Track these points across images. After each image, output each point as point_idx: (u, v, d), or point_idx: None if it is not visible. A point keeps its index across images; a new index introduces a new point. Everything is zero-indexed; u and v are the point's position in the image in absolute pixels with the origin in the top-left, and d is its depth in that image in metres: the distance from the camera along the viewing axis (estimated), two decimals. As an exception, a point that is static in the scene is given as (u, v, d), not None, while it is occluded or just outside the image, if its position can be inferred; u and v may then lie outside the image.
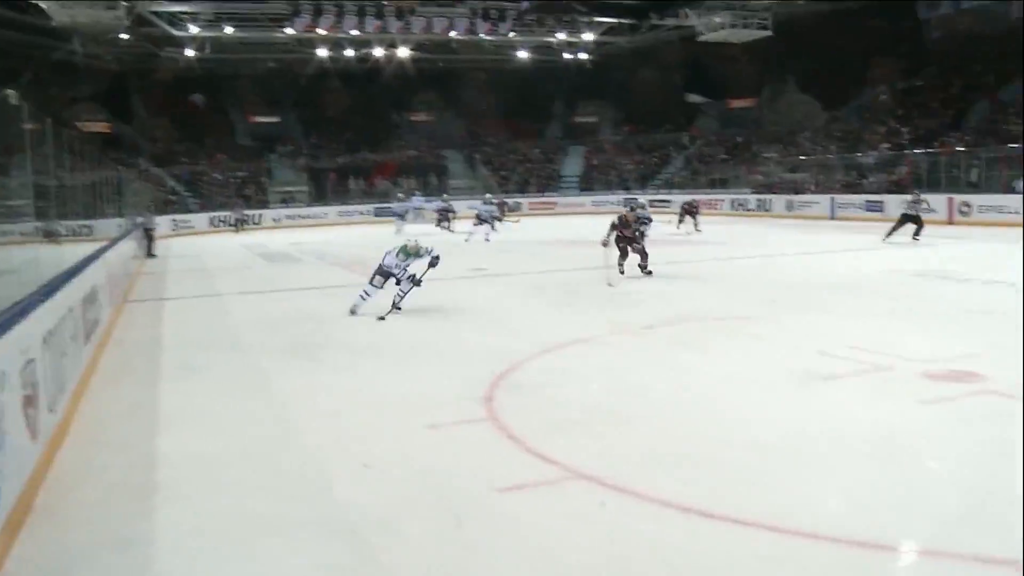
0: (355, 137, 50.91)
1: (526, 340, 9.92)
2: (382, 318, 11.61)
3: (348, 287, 14.02)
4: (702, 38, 42.49)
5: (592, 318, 11.45)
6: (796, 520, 4.77)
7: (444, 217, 32.19)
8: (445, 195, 36.79)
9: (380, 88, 49.39)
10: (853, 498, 5.12)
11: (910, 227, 21.99)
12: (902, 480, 5.38)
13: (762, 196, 38.78)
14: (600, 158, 52.84)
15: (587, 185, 50.08)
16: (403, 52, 44.72)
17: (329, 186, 47.00)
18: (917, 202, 22.40)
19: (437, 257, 12.06)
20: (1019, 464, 5.42)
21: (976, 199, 28.87)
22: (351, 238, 30.58)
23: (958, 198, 29.16)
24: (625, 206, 22.94)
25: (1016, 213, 27.09)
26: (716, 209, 39.17)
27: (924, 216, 22.29)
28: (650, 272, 15.56)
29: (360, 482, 5.59)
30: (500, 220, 29.45)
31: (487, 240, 26.34)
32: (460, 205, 34.63)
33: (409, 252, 11.93)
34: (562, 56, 48.39)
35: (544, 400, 7.43)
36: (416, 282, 11.92)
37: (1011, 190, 29.14)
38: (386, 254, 12.09)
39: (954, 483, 5.38)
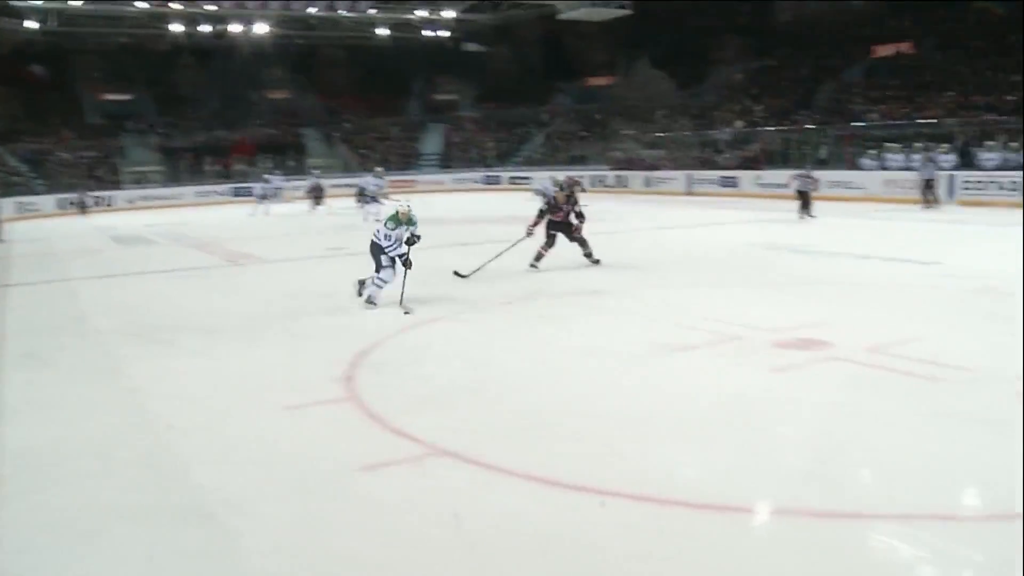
0: (211, 116, 49.54)
1: (387, 318, 9.87)
2: (408, 312, 10.26)
3: (204, 269, 13.76)
4: (561, 16, 42.79)
5: (453, 294, 11.46)
6: (653, 487, 4.88)
7: (315, 195, 31.11)
8: (315, 171, 36.05)
9: (237, 65, 48.08)
10: (707, 463, 5.27)
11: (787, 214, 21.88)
12: (754, 444, 5.57)
13: (620, 172, 39.43)
14: (460, 136, 52.79)
15: (448, 163, 50.05)
16: (260, 28, 43.73)
17: (184, 166, 45.60)
18: (807, 178, 22.25)
19: (417, 238, 10.87)
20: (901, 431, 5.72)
21: (824, 174, 30.01)
22: (208, 219, 29.76)
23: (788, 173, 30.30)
24: (554, 186, 22.43)
25: (861, 188, 28.32)
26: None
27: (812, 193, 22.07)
28: (597, 261, 13.70)
29: (217, 467, 5.47)
30: (387, 197, 27.56)
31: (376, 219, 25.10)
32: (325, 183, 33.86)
33: (401, 219, 10.71)
34: (422, 33, 48.14)
35: (405, 378, 7.41)
36: (407, 264, 10.68)
37: (856, 166, 30.42)
38: (376, 231, 10.89)
39: (801, 446, 5.59)
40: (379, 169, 27.82)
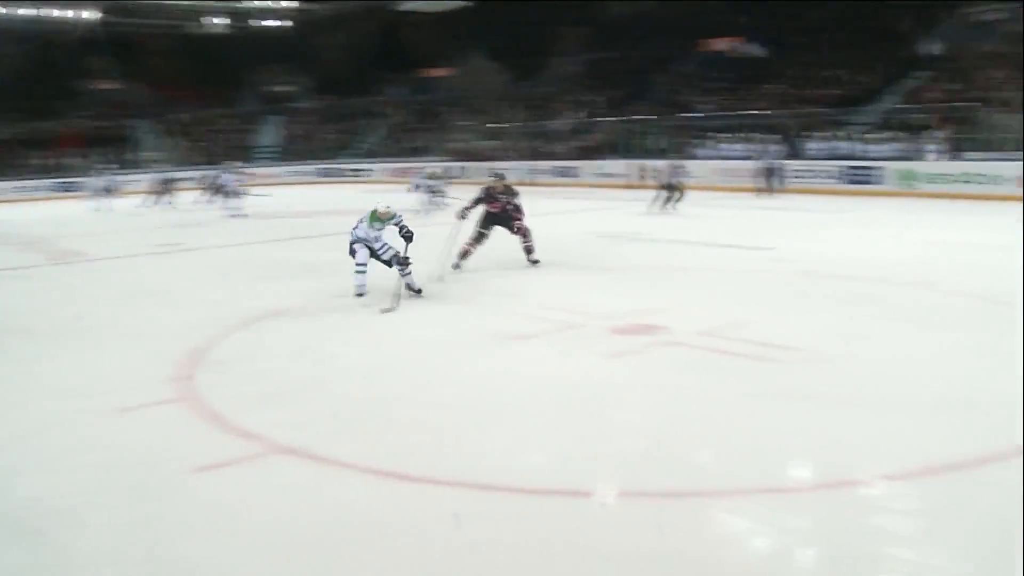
0: (32, 106, 47.09)
1: (225, 315, 9.63)
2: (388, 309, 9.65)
3: (27, 268, 13.11)
4: (399, 7, 42.54)
5: (291, 289, 11.26)
6: (492, 475, 4.93)
7: (160, 190, 29.01)
8: (159, 165, 34.56)
9: (61, 53, 45.89)
10: (547, 450, 5.36)
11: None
12: (592, 429, 5.69)
13: (459, 164, 39.54)
14: (298, 128, 51.87)
15: (286, 156, 49.09)
16: (86, 14, 41.90)
17: (2, 159, 43.13)
18: (678, 168, 22.04)
19: (410, 231, 10.20)
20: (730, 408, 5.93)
21: (658, 164, 30.86)
22: (31, 216, 28.24)
23: (643, 163, 31.10)
24: (429, 179, 21.81)
25: (696, 177, 29.22)
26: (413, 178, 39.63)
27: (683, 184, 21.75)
28: (536, 261, 12.42)
29: (43, 477, 5.21)
30: (247, 192, 25.46)
31: (244, 215, 23.17)
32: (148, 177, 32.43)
33: (381, 218, 10.14)
34: (257, 22, 47.08)
35: (244, 375, 7.26)
36: (405, 262, 10.08)
37: (691, 156, 31.38)
38: (356, 225, 10.24)
39: (638, 428, 5.74)
40: (236, 163, 26.62)
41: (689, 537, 4.19)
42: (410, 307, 9.76)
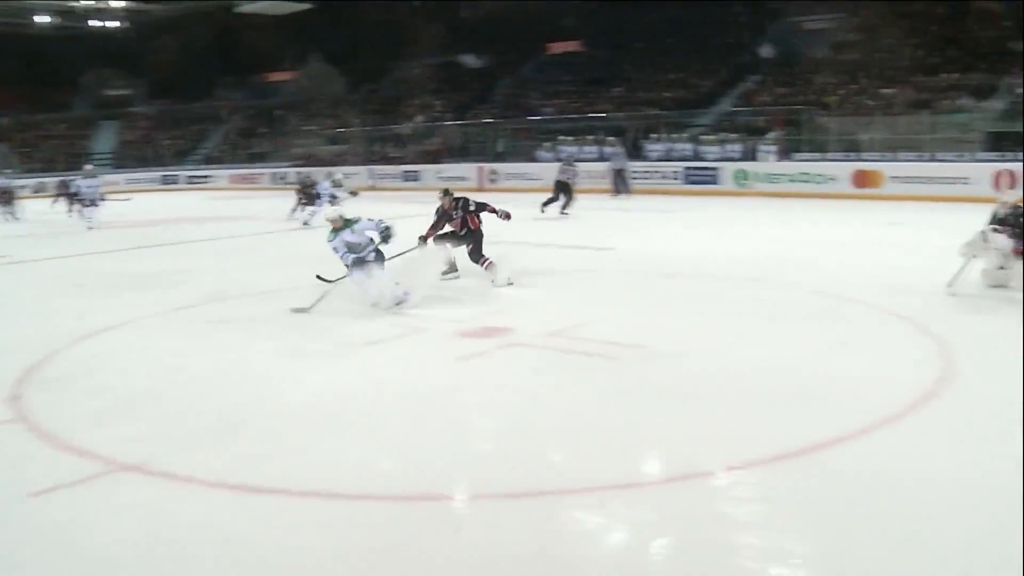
0: None
1: (58, 330, 9.18)
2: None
3: None
4: (238, 9, 41.56)
5: (132, 301, 10.83)
6: (346, 483, 4.89)
7: (6, 199, 25.80)
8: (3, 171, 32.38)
9: None
10: (399, 456, 5.33)
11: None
12: (445, 433, 5.70)
13: (302, 169, 38.91)
14: (134, 133, 50.07)
15: (121, 162, 47.23)
16: None
17: None
18: (570, 167, 21.42)
19: (388, 228, 9.58)
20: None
21: (503, 167, 31.22)
22: None
23: (487, 166, 31.34)
24: (331, 184, 20.77)
25: (539, 179, 29.62)
26: (255, 184, 39.00)
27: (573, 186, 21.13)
28: (494, 271, 10.94)
29: None
30: (103, 199, 22.51)
31: (96, 226, 21.07)
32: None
33: (336, 228, 9.60)
34: (88, 23, 45.21)
35: (82, 391, 6.95)
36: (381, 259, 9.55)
37: (534, 158, 31.80)
38: (332, 240, 9.69)
39: (491, 430, 5.80)
40: (89, 167, 23.99)
41: (544, 536, 4.23)
42: (256, 318, 9.57)
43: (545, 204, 20.42)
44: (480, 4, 44.84)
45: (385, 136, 39.59)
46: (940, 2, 32.05)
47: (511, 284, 10.77)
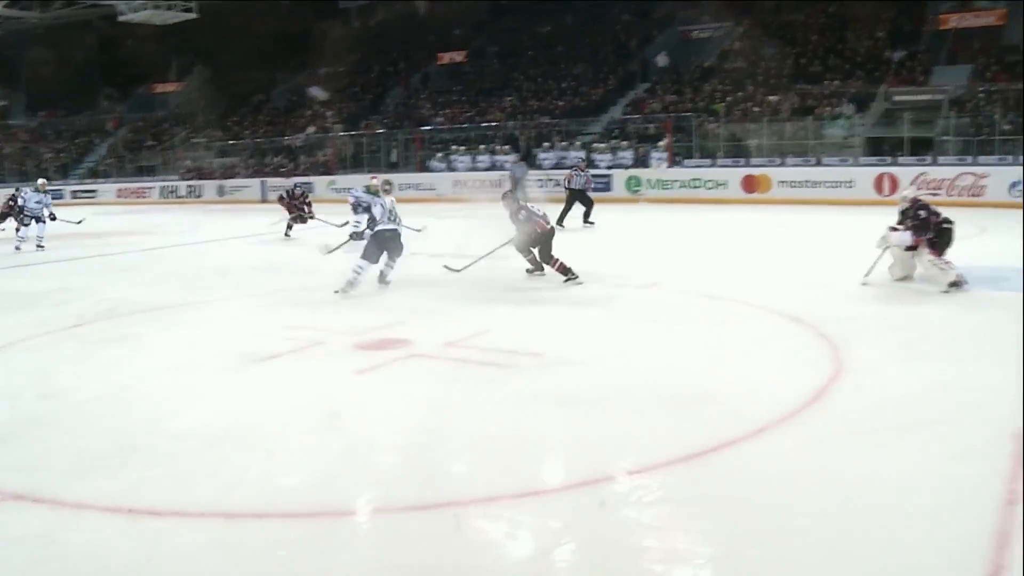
0: None
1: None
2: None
3: None
4: (123, 18, 40.43)
5: (16, 322, 10.34)
6: (246, 502, 4.79)
7: None
8: None
9: None
10: (301, 472, 5.24)
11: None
12: (345, 447, 5.63)
13: (192, 182, 38.24)
14: (12, 146, 48.32)
15: (1, 176, 45.48)
16: None
17: None
18: (582, 173, 19.95)
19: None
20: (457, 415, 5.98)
21: (396, 177, 31.07)
22: None
23: (380, 177, 31.14)
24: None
25: (431, 190, 29.67)
26: (144, 198, 38.11)
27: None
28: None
29: None
30: (54, 217, 19.88)
31: (40, 246, 18.63)
32: None
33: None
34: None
35: (-40, 419, 6.65)
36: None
37: (426, 168, 31.78)
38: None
39: (392, 443, 5.72)
40: (42, 181, 22.46)
41: (450, 547, 4.21)
42: (147, 335, 9.29)
43: (560, 219, 18.37)
44: (371, 14, 44.73)
45: (277, 148, 39.08)
46: (820, 12, 33.28)
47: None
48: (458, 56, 40.78)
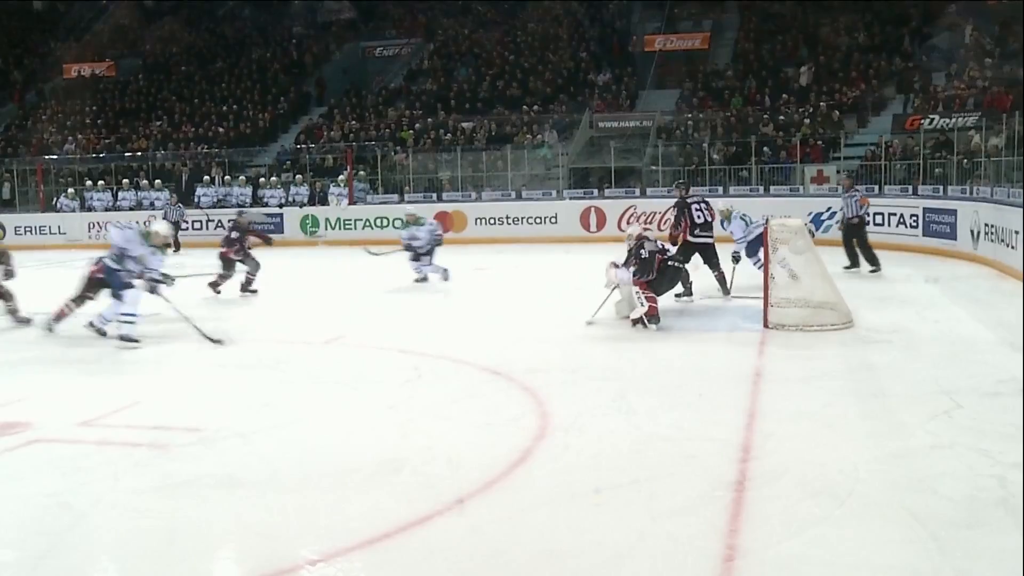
0: None
1: None
2: None
3: None
4: None
5: None
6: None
7: None
8: None
9: None
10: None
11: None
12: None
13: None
14: None
15: None
16: None
17: None
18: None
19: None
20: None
21: (9, 219, 29.17)
22: None
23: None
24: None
25: (61, 234, 27.98)
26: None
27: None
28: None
29: None
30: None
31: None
32: None
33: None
34: None
35: None
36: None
37: (52, 208, 29.78)
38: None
39: (3, 560, 5.19)
40: None
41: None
42: None
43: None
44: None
45: None
46: (519, 31, 34.59)
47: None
48: (92, 68, 39.00)
